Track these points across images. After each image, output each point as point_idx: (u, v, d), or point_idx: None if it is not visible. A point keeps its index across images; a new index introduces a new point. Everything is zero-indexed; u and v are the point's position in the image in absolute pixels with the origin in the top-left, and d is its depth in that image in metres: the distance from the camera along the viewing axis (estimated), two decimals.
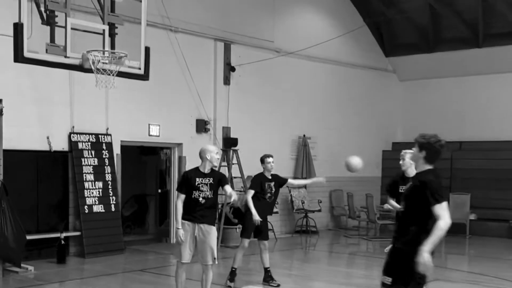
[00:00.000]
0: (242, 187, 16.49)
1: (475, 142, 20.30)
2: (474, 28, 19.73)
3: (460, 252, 16.32)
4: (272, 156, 10.91)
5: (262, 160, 10.86)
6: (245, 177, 16.44)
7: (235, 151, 16.37)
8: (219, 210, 15.90)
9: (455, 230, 18.56)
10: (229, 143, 16.44)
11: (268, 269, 11.11)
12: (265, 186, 10.75)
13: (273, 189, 10.84)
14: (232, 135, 16.77)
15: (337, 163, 19.89)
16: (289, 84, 18.57)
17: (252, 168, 17.02)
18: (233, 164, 16.31)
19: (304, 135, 18.83)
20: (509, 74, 19.75)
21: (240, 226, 15.77)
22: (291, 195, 18.10)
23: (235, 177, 16.37)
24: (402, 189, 9.81)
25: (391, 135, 22.24)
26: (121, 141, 14.77)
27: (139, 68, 10.33)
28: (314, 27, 19.24)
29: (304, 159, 18.64)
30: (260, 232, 10.89)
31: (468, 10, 19.40)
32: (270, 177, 10.84)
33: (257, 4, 17.72)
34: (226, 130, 16.79)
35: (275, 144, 18.10)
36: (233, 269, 10.88)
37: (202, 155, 8.83)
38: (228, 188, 8.89)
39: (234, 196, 8.94)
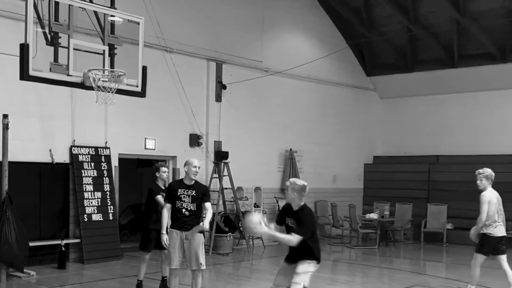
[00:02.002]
0: (232, 197, 16.57)
1: (451, 156, 20.40)
2: (449, 50, 19.85)
3: (438, 259, 16.38)
4: (166, 167, 10.60)
5: (157, 169, 10.42)
6: (235, 188, 16.53)
7: (226, 164, 16.44)
8: (211, 219, 15.96)
9: (433, 238, 18.89)
10: (221, 156, 16.52)
11: (165, 278, 10.44)
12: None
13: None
14: (223, 149, 16.84)
15: (322, 175, 20.10)
16: (276, 101, 18.68)
17: (243, 180, 17.21)
18: (224, 176, 16.39)
19: (290, 149, 18.92)
20: (482, 92, 19.86)
21: (231, 234, 15.90)
22: (278, 205, 18.14)
23: (225, 188, 16.44)
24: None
25: (372, 149, 22.34)
26: (119, 154, 14.82)
27: (137, 86, 10.39)
28: (300, 48, 19.37)
29: (290, 171, 18.69)
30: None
31: (443, 33, 19.55)
32: (163, 188, 10.22)
33: (247, 26, 17.84)
34: (217, 144, 16.86)
35: (264, 157, 18.21)
36: (139, 282, 10.59)
37: (184, 167, 8.87)
38: (208, 205, 8.77)
39: (206, 226, 8.61)
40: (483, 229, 10.34)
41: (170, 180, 10.63)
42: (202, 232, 8.81)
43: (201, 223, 8.67)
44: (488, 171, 10.69)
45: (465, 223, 18.96)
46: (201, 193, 8.78)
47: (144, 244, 10.42)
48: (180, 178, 8.99)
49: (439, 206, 19.12)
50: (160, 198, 9.99)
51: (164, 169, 10.42)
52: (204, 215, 8.86)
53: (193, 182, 8.78)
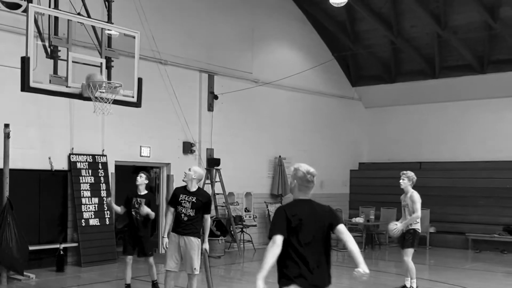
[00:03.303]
0: (224, 202, 16.63)
1: (433, 163, 20.51)
2: (431, 62, 20.01)
3: (421, 261, 16.37)
4: (144, 173, 10.48)
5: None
6: (227, 193, 16.60)
7: (218, 170, 16.52)
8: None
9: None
10: (213, 163, 16.59)
11: (155, 282, 10.55)
12: (132, 200, 10.27)
13: (142, 204, 10.15)
14: (215, 156, 16.91)
15: None
16: (266, 110, 18.77)
17: (234, 186, 17.28)
18: (216, 182, 16.47)
19: (279, 156, 19.00)
20: (462, 102, 20.03)
21: (222, 238, 15.94)
22: (268, 210, 18.22)
23: (217, 194, 16.52)
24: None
25: (357, 156, 22.46)
26: (115, 161, 14.87)
27: (133, 97, 10.45)
28: (288, 60, 19.49)
29: (279, 177, 18.76)
30: (140, 248, 10.36)
31: (425, 45, 19.71)
32: (142, 193, 10.31)
33: (237, 40, 17.95)
34: (210, 151, 16.93)
35: (254, 164, 18.28)
36: (126, 285, 10.45)
37: None
38: (207, 217, 8.83)
39: (205, 247, 8.85)
40: (412, 225, 10.90)
41: (144, 187, 10.45)
42: (202, 253, 8.90)
43: (203, 249, 8.80)
44: (411, 173, 11.20)
45: (447, 227, 19.17)
46: (202, 202, 8.75)
47: (123, 247, 10.55)
48: (184, 185, 8.99)
49: (422, 211, 18.89)
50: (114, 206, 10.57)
51: (139, 174, 10.36)
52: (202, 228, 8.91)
53: (196, 188, 8.78)
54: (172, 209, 8.82)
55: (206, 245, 8.88)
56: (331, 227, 5.36)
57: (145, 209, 10.01)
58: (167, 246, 8.80)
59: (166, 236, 8.83)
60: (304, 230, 5.19)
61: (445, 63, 19.88)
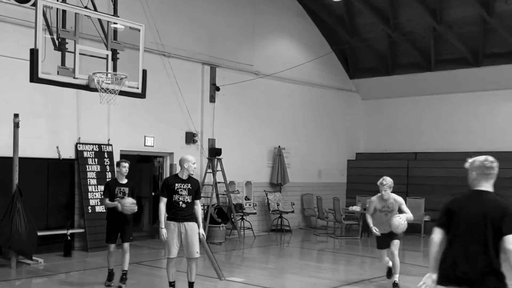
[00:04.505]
0: (225, 190, 16.73)
1: (428, 153, 20.56)
2: (426, 55, 20.02)
3: (416, 249, 16.50)
4: (127, 162, 10.07)
5: (118, 164, 10.10)
6: (228, 182, 16.70)
7: (219, 160, 16.61)
8: (205, 211, 16.11)
9: (411, 230, 18.98)
10: (214, 152, 16.67)
11: (111, 270, 10.23)
12: (115, 190, 9.88)
13: (126, 193, 9.90)
14: (217, 146, 16.99)
15: (308, 170, 20.28)
16: (266, 102, 18.85)
17: (235, 175, 17.38)
18: (217, 171, 16.55)
19: (279, 146, 19.08)
20: (456, 94, 20.05)
21: (223, 225, 16.05)
22: (267, 198, 18.33)
23: (219, 182, 16.60)
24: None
25: (355, 146, 22.53)
26: (121, 150, 14.93)
27: (137, 88, 10.54)
28: (288, 53, 19.52)
29: (279, 166, 18.84)
30: (122, 234, 10.01)
31: (421, 39, 19.73)
32: (123, 182, 9.97)
33: (239, 33, 18.00)
34: (211, 141, 17.02)
35: (254, 154, 18.36)
36: (109, 270, 10.21)
37: (181, 163, 8.90)
38: (198, 203, 8.94)
39: (202, 232, 8.89)
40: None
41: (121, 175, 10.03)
42: (200, 239, 8.96)
43: (200, 235, 8.88)
44: (390, 180, 10.71)
45: None
46: (196, 187, 8.94)
47: (106, 236, 10.13)
48: (175, 173, 9.08)
49: (417, 200, 19.27)
50: (108, 203, 9.85)
51: (124, 164, 9.97)
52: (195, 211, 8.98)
53: (187, 176, 8.89)
54: (165, 199, 8.84)
55: (202, 230, 8.97)
56: (499, 227, 4.74)
57: (130, 209, 9.81)
58: (167, 236, 8.82)
59: (164, 227, 8.84)
60: (462, 221, 4.96)
61: (441, 56, 19.89)
